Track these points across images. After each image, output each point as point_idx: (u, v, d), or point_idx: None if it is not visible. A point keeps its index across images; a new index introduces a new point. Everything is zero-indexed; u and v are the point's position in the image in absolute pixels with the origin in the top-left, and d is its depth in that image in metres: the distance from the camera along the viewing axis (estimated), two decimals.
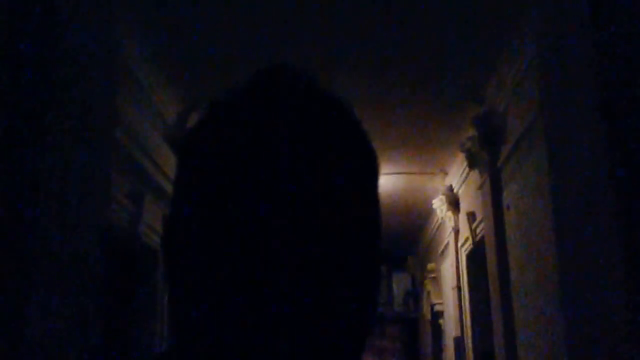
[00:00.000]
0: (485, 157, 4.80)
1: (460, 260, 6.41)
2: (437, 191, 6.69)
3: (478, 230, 5.54)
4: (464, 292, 6.29)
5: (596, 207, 2.25)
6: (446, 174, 6.47)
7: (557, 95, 2.71)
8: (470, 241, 5.85)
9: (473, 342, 5.99)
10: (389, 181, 6.41)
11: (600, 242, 2.22)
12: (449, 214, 6.53)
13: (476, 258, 5.71)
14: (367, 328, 0.52)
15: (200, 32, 4.03)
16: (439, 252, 7.58)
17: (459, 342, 6.52)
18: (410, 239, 9.20)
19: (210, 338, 0.49)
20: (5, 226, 2.00)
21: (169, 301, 0.53)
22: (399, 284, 10.08)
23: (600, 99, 1.98)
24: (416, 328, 9.91)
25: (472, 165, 5.24)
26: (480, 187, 5.10)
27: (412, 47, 4.19)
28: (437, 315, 7.97)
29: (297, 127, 0.51)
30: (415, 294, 9.85)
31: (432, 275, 8.10)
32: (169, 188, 4.56)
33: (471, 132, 4.92)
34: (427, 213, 7.63)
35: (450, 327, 7.10)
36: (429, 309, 8.51)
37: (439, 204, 6.73)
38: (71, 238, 2.42)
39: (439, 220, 7.21)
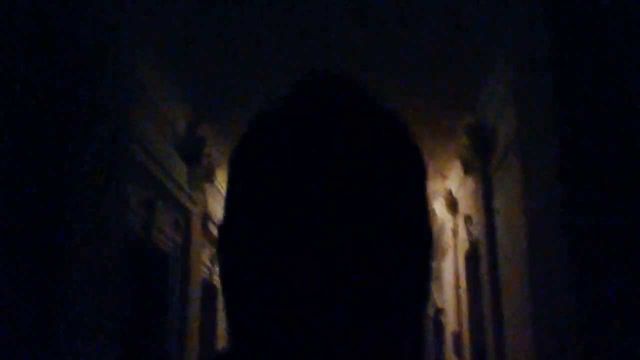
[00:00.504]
0: (478, 164, 5.08)
1: (458, 260, 6.69)
2: (437, 194, 6.97)
3: (474, 232, 5.81)
4: (461, 290, 6.57)
5: (552, 219, 2.54)
6: (445, 177, 6.74)
7: (530, 122, 2.99)
8: (467, 242, 6.13)
9: (470, 337, 6.27)
10: None
11: (555, 255, 2.51)
12: (448, 216, 6.81)
13: (473, 258, 5.99)
14: (421, 318, 0.54)
15: (208, 47, 4.31)
16: (440, 251, 7.86)
17: (456, 337, 6.80)
18: None
19: (269, 340, 0.50)
20: (40, 235, 2.29)
21: (225, 304, 0.55)
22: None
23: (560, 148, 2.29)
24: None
25: (467, 171, 5.51)
26: (475, 192, 5.38)
27: (408, 58, 4.47)
28: (439, 312, 8.25)
29: (349, 135, 0.52)
30: None
31: (434, 273, 8.37)
32: (179, 195, 4.88)
33: (465, 140, 5.20)
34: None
35: (452, 324, 7.39)
36: (432, 306, 8.80)
37: (439, 206, 7.01)
38: (95, 244, 2.70)
39: (440, 222, 7.49)
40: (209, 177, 5.65)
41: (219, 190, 5.99)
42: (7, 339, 2.10)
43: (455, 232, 6.76)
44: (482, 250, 5.22)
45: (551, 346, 2.77)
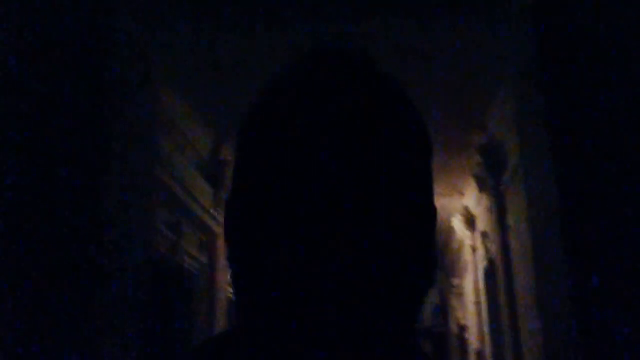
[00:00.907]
0: (491, 182, 5.22)
1: (478, 277, 6.79)
2: (456, 211, 7.11)
3: (491, 249, 5.93)
4: (482, 306, 6.66)
5: (553, 240, 2.70)
6: (463, 195, 6.87)
7: (529, 141, 3.16)
8: (485, 259, 6.24)
9: (492, 355, 6.34)
10: None
11: (556, 273, 2.67)
12: (467, 233, 6.93)
13: (491, 275, 6.09)
14: (424, 290, 0.54)
15: (230, 72, 4.53)
16: (461, 268, 7.95)
17: (480, 355, 6.87)
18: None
19: (274, 314, 0.49)
20: (78, 256, 2.52)
21: (233, 282, 0.54)
22: (428, 298, 10.42)
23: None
24: (445, 342, 10.23)
25: (481, 189, 5.65)
26: (489, 209, 5.51)
27: (421, 79, 4.66)
28: (463, 329, 8.32)
29: (357, 108, 0.51)
30: (444, 308, 10.19)
31: (457, 290, 8.47)
32: (203, 216, 5.11)
33: (478, 158, 5.36)
34: (449, 231, 8.02)
35: (475, 341, 7.46)
36: (456, 323, 8.86)
37: (457, 223, 7.14)
38: (126, 265, 2.90)
39: (460, 238, 7.60)
40: None
41: None
42: (51, 344, 2.32)
43: (474, 249, 6.87)
44: (499, 267, 5.34)
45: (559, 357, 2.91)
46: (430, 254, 0.55)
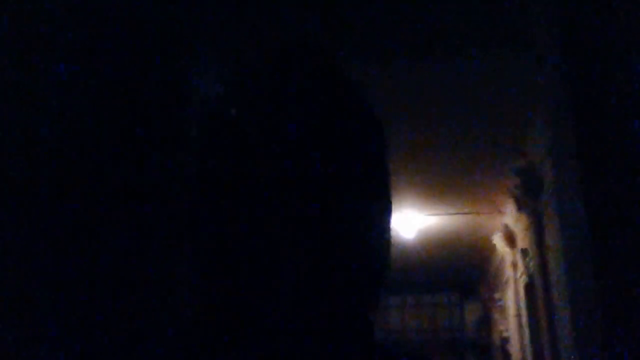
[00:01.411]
0: (529, 203, 5.50)
1: (518, 291, 7.04)
2: (496, 228, 7.38)
3: (530, 266, 6.19)
4: (523, 320, 6.90)
5: (584, 260, 3.01)
6: (503, 213, 7.14)
7: (560, 166, 3.47)
8: (525, 274, 6.49)
9: None
10: (452, 221, 7.26)
11: (586, 292, 2.97)
12: (507, 249, 7.19)
13: (531, 290, 6.34)
14: (376, 279, 0.54)
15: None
16: (503, 282, 8.19)
17: None
18: (479, 270, 9.84)
19: (227, 298, 0.51)
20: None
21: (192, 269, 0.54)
22: (472, 311, 10.65)
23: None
24: (489, 354, 10.43)
25: (519, 209, 5.93)
26: (528, 228, 5.78)
27: (460, 105, 5.00)
28: (505, 341, 8.54)
29: (309, 101, 0.53)
30: (487, 321, 10.40)
31: (499, 303, 8.70)
32: None
33: (516, 180, 5.65)
34: (491, 248, 8.29)
35: (516, 353, 7.68)
36: (498, 335, 9.08)
37: (498, 240, 7.41)
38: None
39: (500, 255, 7.86)
40: None
41: None
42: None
43: (514, 265, 7.12)
44: (537, 283, 5.60)
45: None
46: (385, 240, 0.57)
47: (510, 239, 7.06)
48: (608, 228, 2.90)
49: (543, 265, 5.36)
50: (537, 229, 5.41)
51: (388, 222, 0.58)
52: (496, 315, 9.05)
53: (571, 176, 3.19)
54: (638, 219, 2.88)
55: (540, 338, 5.91)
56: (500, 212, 7.08)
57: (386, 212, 0.58)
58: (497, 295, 8.73)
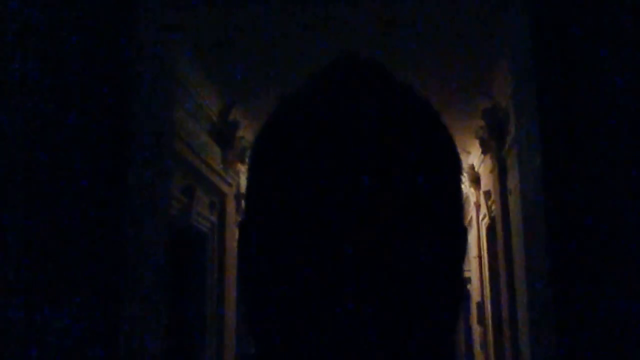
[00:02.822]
0: (494, 145, 5.37)
1: (480, 233, 7.02)
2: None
3: (493, 208, 6.12)
4: (484, 261, 6.91)
5: (538, 207, 2.89)
6: (469, 153, 7.02)
7: (522, 110, 3.30)
8: (487, 216, 6.44)
9: (491, 307, 6.63)
10: None
11: (539, 239, 2.87)
12: (472, 190, 7.12)
13: (492, 232, 6.31)
14: (453, 327, 0.51)
15: (239, 36, 4.63)
16: (466, 222, 8.18)
17: (480, 306, 7.17)
18: None
19: (289, 345, 0.47)
20: (103, 223, 2.66)
21: (245, 308, 0.52)
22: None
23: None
24: None
25: (484, 151, 5.80)
26: (492, 171, 5.67)
27: (426, 45, 4.77)
28: (466, 281, 8.61)
29: (381, 123, 0.48)
30: None
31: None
32: (214, 178, 5.31)
33: (482, 122, 5.48)
34: None
35: (476, 292, 7.75)
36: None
37: (463, 180, 7.32)
38: (145, 229, 3.05)
39: (465, 195, 7.80)
40: (243, 159, 6.05)
41: None
42: (79, 304, 2.47)
43: (477, 206, 7.07)
44: (498, 226, 5.54)
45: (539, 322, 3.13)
46: (461, 275, 0.53)
47: (475, 180, 6.97)
48: (563, 179, 2.78)
49: (504, 209, 5.28)
50: (500, 172, 5.30)
51: (464, 255, 0.55)
52: None
53: (531, 122, 3.03)
54: (594, 170, 2.77)
55: (499, 279, 5.91)
56: (466, 152, 6.96)
57: (464, 245, 0.54)
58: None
